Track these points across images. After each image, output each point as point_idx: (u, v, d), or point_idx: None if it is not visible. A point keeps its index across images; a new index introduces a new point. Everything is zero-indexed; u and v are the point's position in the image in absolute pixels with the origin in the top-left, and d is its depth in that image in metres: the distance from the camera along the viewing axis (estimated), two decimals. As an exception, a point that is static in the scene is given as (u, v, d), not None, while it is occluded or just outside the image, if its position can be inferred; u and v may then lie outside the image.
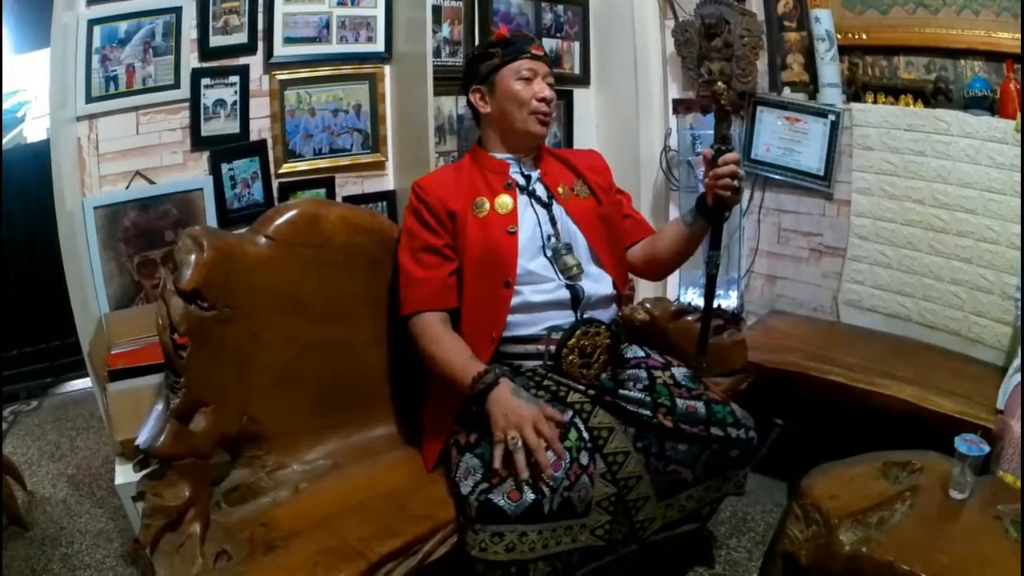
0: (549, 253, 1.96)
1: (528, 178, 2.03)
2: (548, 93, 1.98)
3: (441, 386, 1.91)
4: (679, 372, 1.97)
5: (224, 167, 2.66)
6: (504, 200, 1.97)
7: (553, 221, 1.99)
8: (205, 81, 2.59)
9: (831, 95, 2.89)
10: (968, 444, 1.70)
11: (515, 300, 1.91)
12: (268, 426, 1.89)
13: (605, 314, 1.99)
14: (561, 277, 1.94)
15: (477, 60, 2.05)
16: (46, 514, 2.62)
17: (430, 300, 1.91)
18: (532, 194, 2.01)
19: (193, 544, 1.60)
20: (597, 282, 1.99)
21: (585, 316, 1.93)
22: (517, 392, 1.75)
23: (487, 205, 1.96)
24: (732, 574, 2.24)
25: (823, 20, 2.83)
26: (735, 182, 1.81)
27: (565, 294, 1.93)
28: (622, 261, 2.12)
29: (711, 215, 1.90)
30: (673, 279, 3.24)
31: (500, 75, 1.99)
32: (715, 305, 2.32)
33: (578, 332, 1.88)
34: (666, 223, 2.21)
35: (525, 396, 1.75)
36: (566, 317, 1.92)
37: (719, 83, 2.07)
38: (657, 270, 2.20)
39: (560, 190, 2.03)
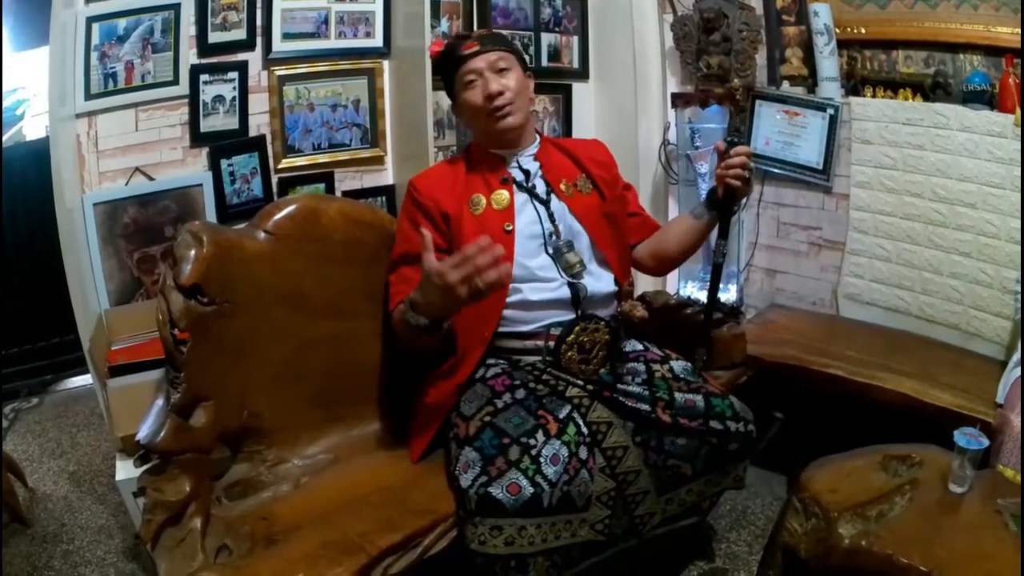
0: (551, 251, 1.94)
1: (527, 173, 2.00)
2: (493, 87, 1.90)
3: (433, 379, 1.93)
4: (678, 365, 1.97)
5: (223, 163, 2.66)
6: (501, 195, 1.95)
7: (553, 218, 1.96)
8: (204, 77, 2.59)
9: (830, 89, 2.88)
10: (967, 438, 1.70)
11: (513, 298, 1.90)
12: (268, 420, 1.90)
13: (605, 310, 1.99)
14: (563, 275, 1.93)
15: (442, 79, 2.05)
16: (47, 511, 2.63)
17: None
18: (531, 190, 1.98)
19: (194, 539, 1.60)
20: (599, 280, 1.98)
21: (585, 313, 1.92)
22: (420, 288, 1.68)
23: (483, 201, 1.94)
24: (732, 568, 2.24)
25: (822, 14, 2.82)
26: (746, 172, 1.86)
27: (566, 292, 1.92)
28: (625, 258, 2.11)
29: (722, 206, 1.94)
30: (672, 272, 3.24)
31: (455, 89, 1.98)
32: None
33: (577, 328, 1.87)
34: (671, 219, 2.20)
35: (423, 281, 1.66)
36: (566, 315, 1.91)
37: (735, 80, 2.09)
38: (663, 266, 2.19)
39: (563, 186, 2.00)
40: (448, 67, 1.98)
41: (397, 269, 1.95)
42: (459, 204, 1.92)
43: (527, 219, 1.95)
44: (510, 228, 1.92)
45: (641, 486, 1.80)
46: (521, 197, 1.97)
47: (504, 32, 2.75)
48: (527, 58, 2.08)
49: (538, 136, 2.07)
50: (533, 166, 2.02)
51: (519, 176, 1.99)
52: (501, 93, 1.91)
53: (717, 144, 1.92)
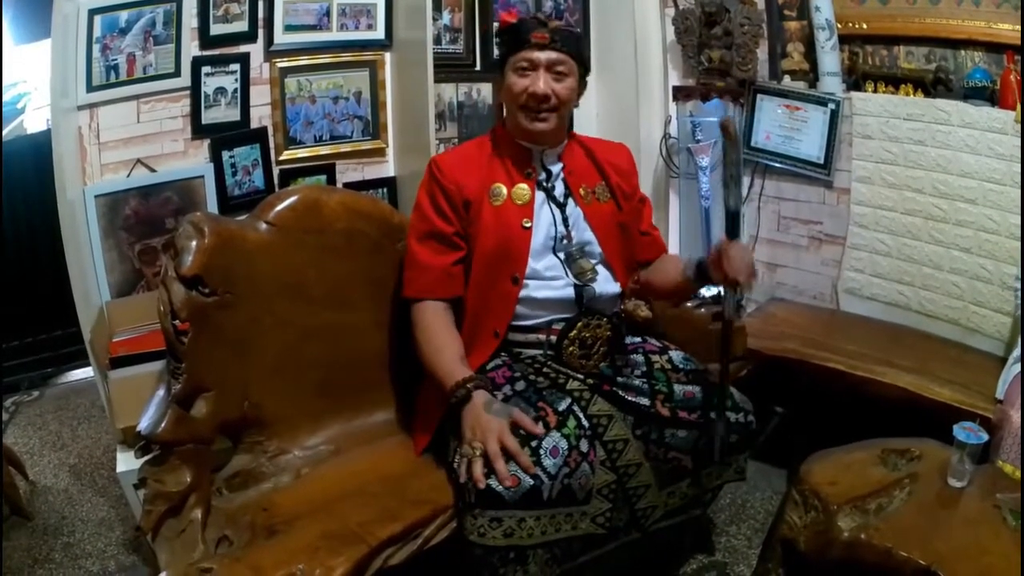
0: (561, 255, 1.92)
1: (549, 172, 1.96)
2: (540, 88, 1.81)
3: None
4: (676, 355, 1.97)
5: (225, 154, 2.67)
6: (522, 190, 1.91)
7: (567, 222, 1.93)
8: (206, 69, 2.59)
9: (831, 84, 2.88)
10: (967, 432, 1.70)
11: (519, 294, 1.88)
12: (269, 411, 1.89)
13: (608, 307, 1.97)
14: (571, 278, 1.90)
15: (498, 47, 2.01)
16: (48, 503, 2.63)
17: (432, 288, 1.87)
18: (550, 191, 1.94)
19: (194, 530, 1.61)
20: (605, 282, 1.96)
21: (588, 309, 1.91)
22: (489, 405, 1.69)
23: (504, 192, 1.90)
24: (732, 561, 2.25)
25: (823, 9, 2.82)
26: (752, 274, 1.75)
27: (571, 293, 1.90)
28: (631, 266, 2.09)
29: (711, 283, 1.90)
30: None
31: (506, 66, 1.88)
32: (714, 292, 2.32)
33: (579, 324, 1.86)
34: (664, 257, 2.14)
35: (498, 408, 1.68)
36: (569, 312, 1.90)
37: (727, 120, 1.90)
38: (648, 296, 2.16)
39: (581, 191, 1.96)
40: (511, 42, 1.88)
41: (412, 252, 1.92)
42: (480, 191, 1.89)
43: (542, 219, 1.91)
44: (528, 225, 1.89)
45: (642, 479, 1.81)
46: (540, 196, 1.93)
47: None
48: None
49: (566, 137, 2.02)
50: (556, 166, 1.97)
51: (541, 174, 1.96)
52: (547, 98, 1.84)
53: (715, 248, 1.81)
